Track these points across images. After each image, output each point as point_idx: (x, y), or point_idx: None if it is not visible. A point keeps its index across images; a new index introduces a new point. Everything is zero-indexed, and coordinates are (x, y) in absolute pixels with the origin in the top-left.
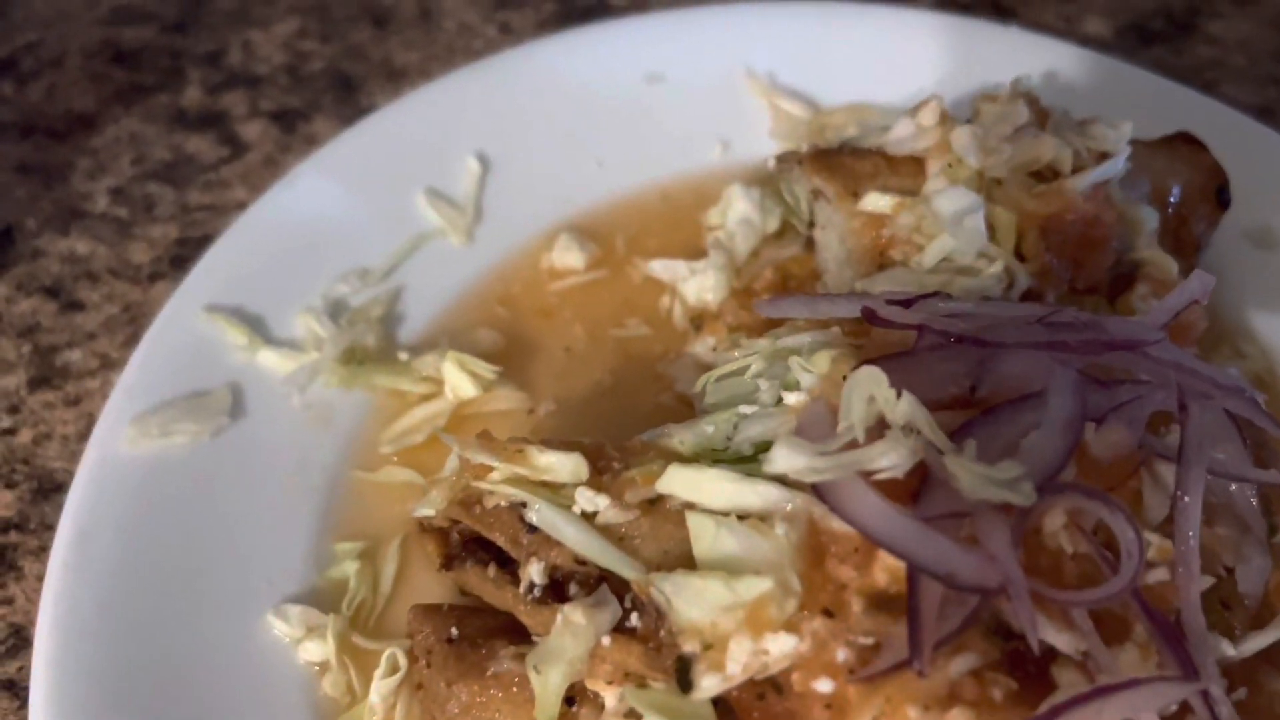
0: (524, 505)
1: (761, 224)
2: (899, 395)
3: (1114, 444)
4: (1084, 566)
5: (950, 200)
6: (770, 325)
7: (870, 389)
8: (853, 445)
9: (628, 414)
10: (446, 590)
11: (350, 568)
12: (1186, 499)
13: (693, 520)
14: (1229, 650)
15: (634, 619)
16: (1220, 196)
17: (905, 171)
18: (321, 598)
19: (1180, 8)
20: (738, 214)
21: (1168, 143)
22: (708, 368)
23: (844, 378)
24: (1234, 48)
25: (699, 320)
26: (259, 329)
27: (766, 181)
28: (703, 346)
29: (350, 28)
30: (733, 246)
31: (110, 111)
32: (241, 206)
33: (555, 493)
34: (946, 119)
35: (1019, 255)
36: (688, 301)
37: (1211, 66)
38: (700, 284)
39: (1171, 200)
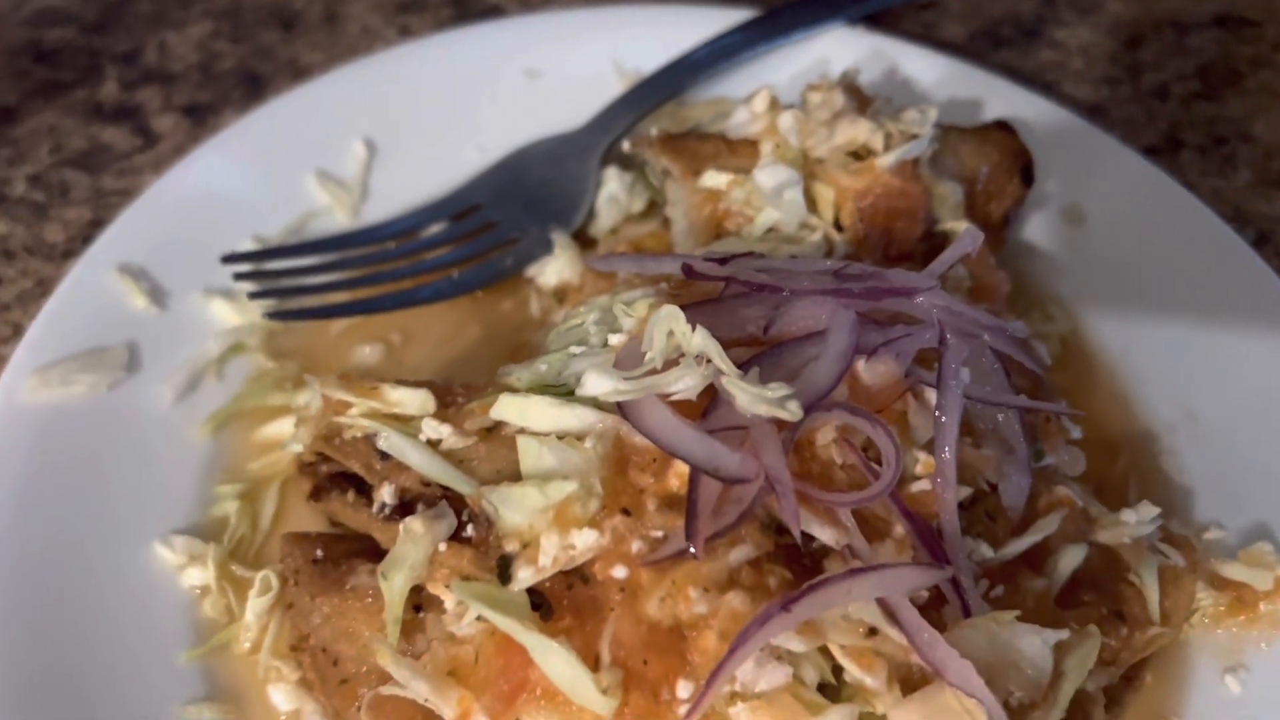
0: (377, 435)
1: (628, 203)
2: (694, 329)
3: (881, 373)
4: (852, 475)
5: (770, 176)
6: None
7: (669, 324)
8: (653, 372)
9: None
10: (320, 526)
11: (231, 506)
12: (944, 419)
13: (521, 441)
14: (989, 553)
15: (470, 529)
16: (1025, 175)
17: (743, 153)
18: (206, 533)
19: (1028, 15)
20: (607, 193)
21: (983, 128)
22: None
23: None
24: (1074, 52)
25: (562, 294)
26: (158, 292)
27: (639, 166)
28: (564, 313)
29: (260, 30)
30: (595, 226)
31: (30, 105)
32: None
33: (405, 424)
34: (776, 106)
35: (837, 226)
36: (548, 287)
37: (1053, 69)
38: (556, 267)
39: (980, 178)
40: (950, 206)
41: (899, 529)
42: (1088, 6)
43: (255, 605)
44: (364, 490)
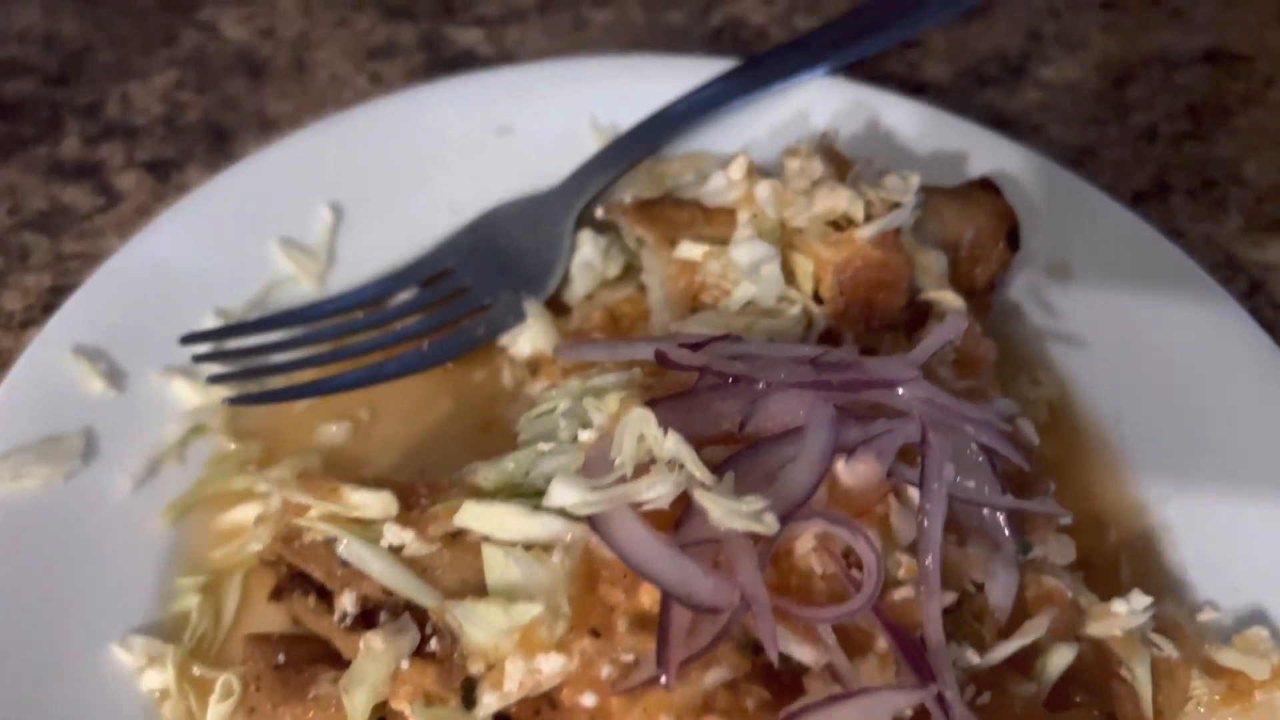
0: (337, 540)
1: (602, 269)
2: (666, 433)
3: (862, 474)
4: (833, 584)
5: (747, 252)
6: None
7: (640, 428)
8: (623, 479)
9: (463, 456)
10: (285, 621)
11: (192, 601)
12: (927, 524)
13: (486, 551)
14: (974, 659)
15: (433, 644)
16: (1011, 239)
17: (719, 221)
18: (166, 631)
19: (1014, 52)
20: (581, 258)
21: (966, 188)
22: None
23: None
24: (1061, 91)
25: (535, 366)
26: (116, 373)
27: (614, 228)
28: (538, 389)
29: (226, 78)
30: (569, 292)
31: None
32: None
33: (366, 528)
34: (753, 173)
35: (817, 298)
36: (521, 357)
37: (1040, 109)
38: (529, 337)
39: (964, 243)
40: (934, 276)
41: (881, 642)
42: (1074, 42)
43: (216, 711)
44: (325, 594)
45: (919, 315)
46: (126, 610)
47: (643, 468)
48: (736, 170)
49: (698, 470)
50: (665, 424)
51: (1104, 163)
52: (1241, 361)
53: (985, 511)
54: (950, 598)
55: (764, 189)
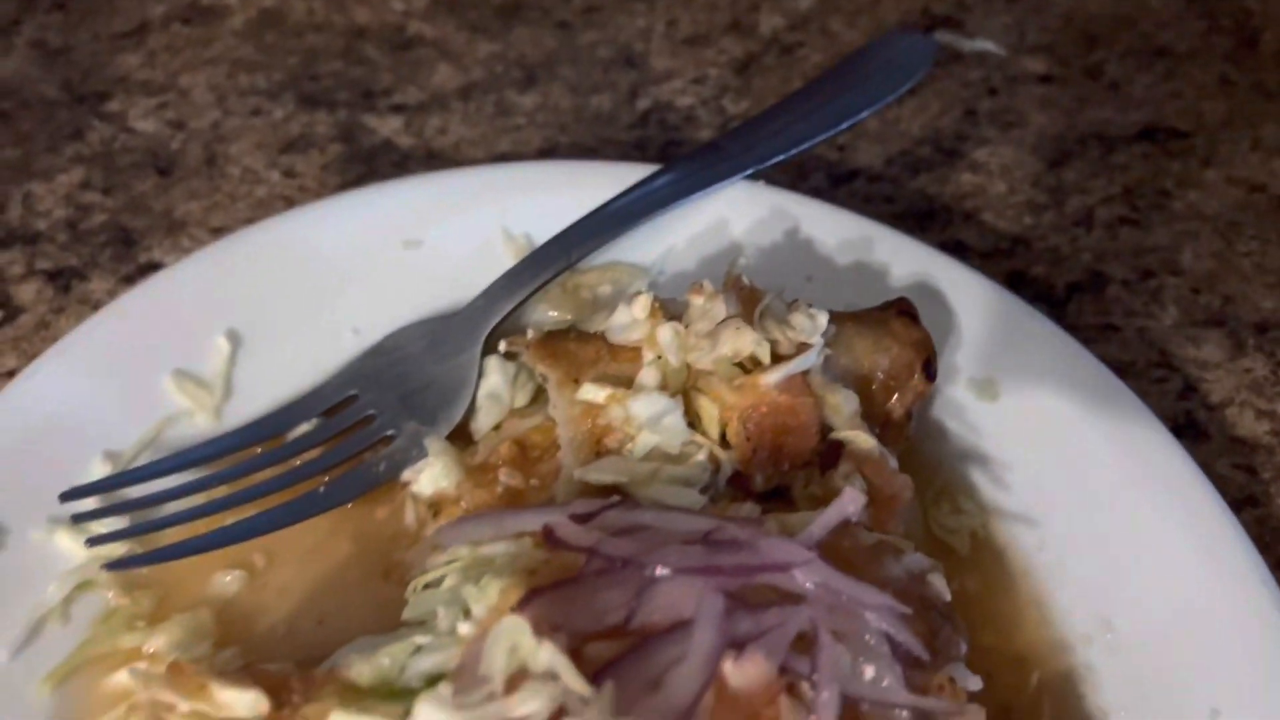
0: None
1: (510, 399)
2: (540, 642)
3: (751, 675)
4: None
5: (646, 406)
6: (506, 504)
7: (512, 638)
8: (493, 696)
9: (363, 604)
10: None
11: None
12: None
13: None
14: None
15: None
16: (927, 370)
17: (625, 357)
18: None
19: (948, 133)
20: (488, 387)
21: (881, 314)
22: None
23: (510, 609)
24: (996, 174)
25: (437, 507)
26: None
27: None
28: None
29: (134, 176)
30: (475, 422)
31: None
32: (11, 374)
33: None
34: (656, 312)
35: (724, 442)
36: (424, 495)
37: (974, 194)
38: (431, 475)
39: (878, 375)
40: (845, 416)
41: None
42: (1011, 120)
43: None
44: None
45: (832, 451)
46: None
47: (517, 678)
48: (640, 309)
49: (574, 683)
50: (545, 622)
51: (1038, 252)
52: (1171, 496)
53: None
54: None
55: (666, 332)
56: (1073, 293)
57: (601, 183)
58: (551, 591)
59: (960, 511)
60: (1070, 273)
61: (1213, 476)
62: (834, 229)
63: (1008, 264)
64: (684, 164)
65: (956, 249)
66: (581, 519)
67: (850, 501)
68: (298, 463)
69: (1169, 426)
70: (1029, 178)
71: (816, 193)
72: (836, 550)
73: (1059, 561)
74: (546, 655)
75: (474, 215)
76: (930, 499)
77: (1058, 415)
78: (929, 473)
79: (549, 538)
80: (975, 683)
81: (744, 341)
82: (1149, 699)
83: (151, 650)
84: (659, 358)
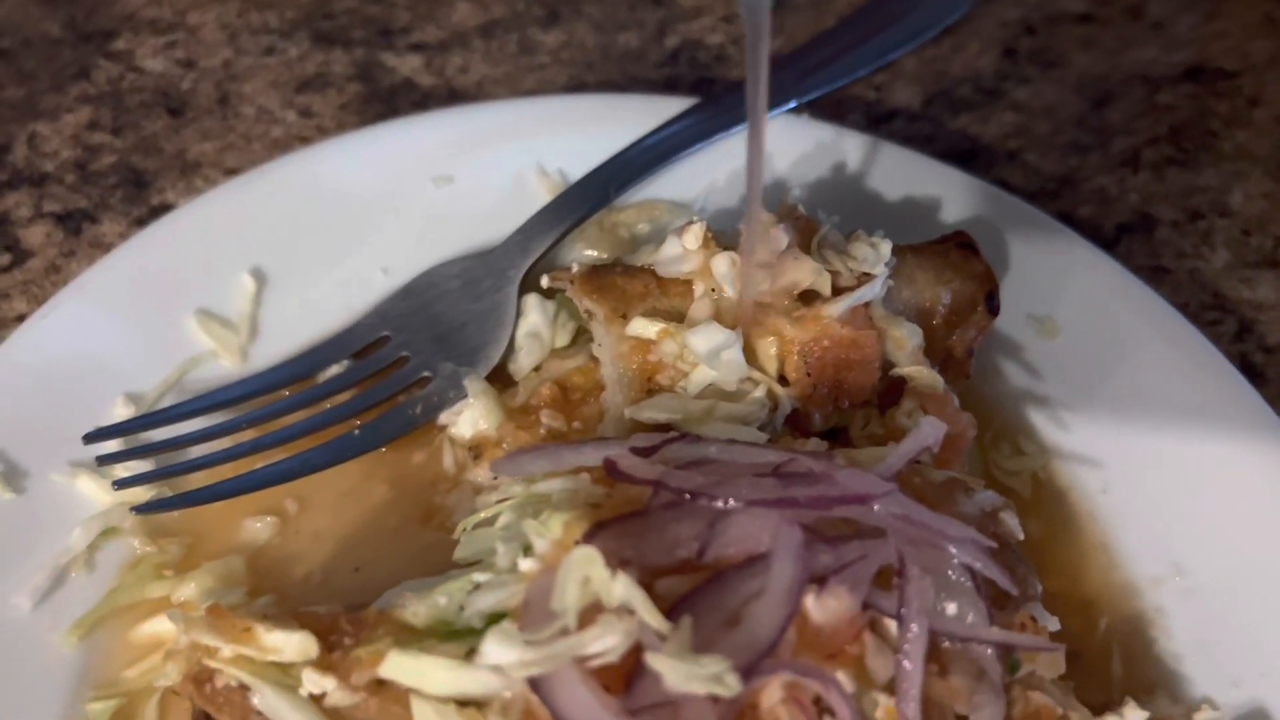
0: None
1: (551, 338)
2: (614, 575)
3: (834, 610)
4: None
5: (705, 338)
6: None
7: (584, 571)
8: (566, 632)
9: (401, 552)
10: None
11: None
12: (906, 663)
13: (416, 707)
14: None
15: None
16: (989, 304)
17: (675, 292)
18: None
19: (988, 73)
20: (528, 326)
21: (940, 246)
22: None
23: (576, 542)
24: (1039, 114)
25: (478, 449)
26: (14, 473)
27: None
28: (482, 476)
29: (144, 116)
30: (515, 363)
31: None
32: (21, 319)
33: (284, 672)
34: (709, 242)
35: (782, 379)
36: (463, 438)
37: (1016, 134)
38: (470, 418)
39: (940, 309)
40: (908, 351)
41: None
42: (1052, 60)
43: None
44: None
45: (893, 389)
46: None
47: (589, 614)
48: (692, 239)
49: (651, 618)
50: (615, 556)
51: (1085, 194)
52: (1235, 429)
53: None
54: None
55: (721, 263)
56: (1122, 234)
57: (638, 117)
58: (618, 525)
59: (1021, 453)
60: (1118, 214)
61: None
62: (881, 163)
63: (1054, 205)
64: (723, 97)
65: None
66: (644, 452)
67: (929, 432)
68: (328, 406)
69: None
70: (1073, 118)
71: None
72: (910, 487)
73: (1125, 503)
74: (621, 588)
75: (507, 151)
76: (989, 441)
77: (1120, 352)
78: (987, 414)
79: (611, 471)
80: (1054, 623)
81: (803, 272)
82: (1222, 643)
83: (181, 599)
84: (713, 290)
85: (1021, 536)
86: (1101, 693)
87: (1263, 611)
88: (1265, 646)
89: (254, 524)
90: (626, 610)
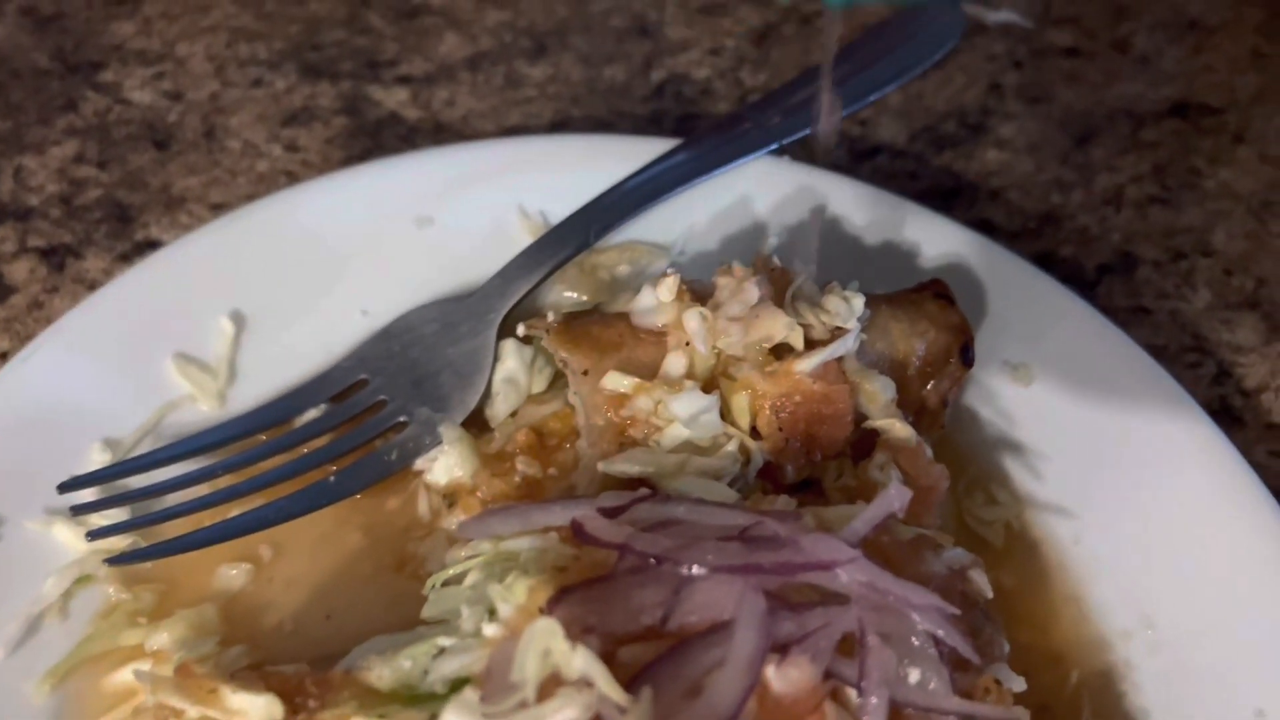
0: None
1: (528, 384)
2: (574, 647)
3: (795, 680)
4: None
5: (686, 404)
6: (523, 495)
7: (545, 642)
8: (524, 704)
9: (375, 599)
10: None
11: None
12: None
13: None
14: None
15: None
16: (964, 355)
17: (650, 342)
18: None
19: (973, 107)
20: (504, 372)
21: (916, 296)
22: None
23: (540, 609)
24: (1022, 151)
25: (452, 496)
26: None
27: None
28: (456, 523)
29: (130, 150)
30: (491, 408)
31: None
32: (4, 357)
33: None
34: (683, 295)
35: (754, 432)
36: (439, 484)
37: (1000, 171)
38: (445, 464)
39: (914, 360)
40: (881, 404)
41: None
42: (1037, 95)
43: None
44: None
45: (866, 440)
46: None
47: (550, 684)
48: (665, 291)
49: (610, 690)
50: (579, 623)
51: (1067, 232)
52: (1213, 486)
53: None
54: None
55: (693, 319)
56: (1103, 274)
57: (620, 158)
58: (583, 590)
59: (995, 502)
60: (1100, 253)
61: (1249, 464)
62: (860, 206)
63: (1036, 244)
64: (705, 138)
65: (983, 228)
66: (610, 513)
67: (896, 496)
68: (305, 450)
69: None
70: (1056, 155)
71: (837, 169)
72: (876, 546)
73: (1096, 555)
74: (581, 661)
75: (488, 192)
76: (963, 489)
77: (1094, 401)
78: (961, 462)
79: (578, 533)
80: (1019, 684)
81: (776, 326)
82: (1191, 698)
83: (155, 648)
84: (686, 344)
85: (990, 595)
86: None
87: (1231, 666)
88: (1232, 701)
89: (228, 571)
90: (586, 682)
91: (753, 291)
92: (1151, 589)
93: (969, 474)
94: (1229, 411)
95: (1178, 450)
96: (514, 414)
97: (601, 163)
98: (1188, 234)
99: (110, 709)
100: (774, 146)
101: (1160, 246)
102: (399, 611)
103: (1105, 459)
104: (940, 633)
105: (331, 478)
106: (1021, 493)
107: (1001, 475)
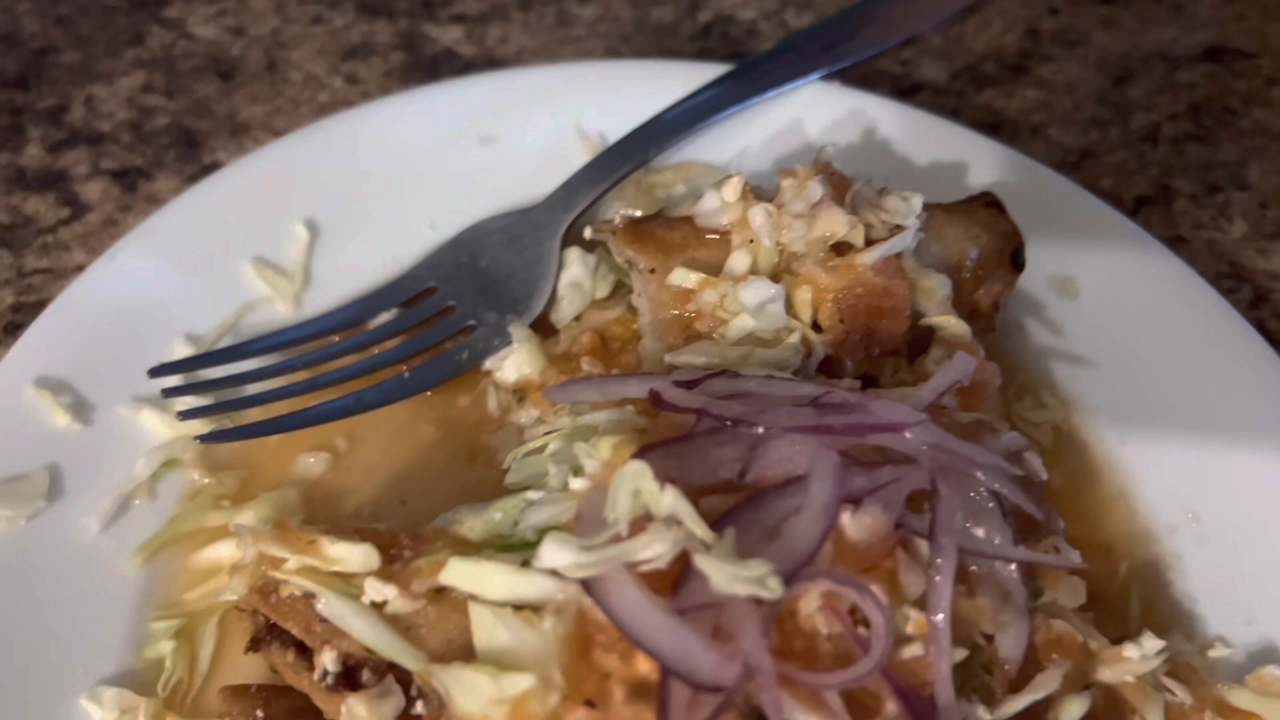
0: (316, 596)
1: (592, 289)
2: (662, 488)
3: (869, 527)
4: (839, 646)
5: (754, 292)
6: None
7: (635, 483)
8: (618, 539)
9: (447, 487)
10: (265, 670)
11: (166, 647)
12: (938, 578)
13: (474, 611)
14: (985, 715)
15: (419, 706)
16: (1015, 260)
17: (712, 244)
18: (139, 679)
19: (1011, 50)
20: (569, 278)
21: (968, 205)
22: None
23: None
24: (1061, 91)
25: (522, 392)
26: (81, 406)
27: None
28: (526, 417)
29: (196, 80)
30: (556, 313)
31: None
32: (80, 269)
33: (347, 582)
34: (748, 195)
35: (816, 326)
36: (507, 383)
37: (1039, 109)
38: (514, 363)
39: (968, 264)
40: (937, 301)
41: (890, 705)
42: (1074, 39)
43: None
44: (305, 650)
45: (921, 340)
46: (96, 659)
47: (639, 524)
48: (730, 191)
49: (697, 528)
50: (662, 475)
51: (1105, 166)
52: (1249, 382)
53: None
54: (960, 654)
55: (758, 214)
56: (1141, 205)
57: (674, 81)
58: (664, 448)
59: (1043, 406)
60: (1138, 186)
61: None
62: (910, 129)
63: (1075, 177)
64: (757, 64)
65: None
66: (687, 385)
67: (960, 364)
68: (378, 351)
69: None
70: (1094, 94)
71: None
72: (938, 423)
73: (1143, 454)
74: (669, 500)
75: (548, 113)
76: (1012, 394)
77: (1139, 312)
78: (1010, 369)
79: (656, 400)
80: (1076, 556)
81: (838, 224)
82: (1236, 586)
83: (241, 524)
84: (750, 241)
85: (1045, 476)
86: (1120, 630)
87: (1275, 555)
88: (1275, 587)
89: (307, 459)
90: (674, 520)
91: (816, 190)
92: (1197, 484)
93: (1018, 380)
94: (1265, 333)
95: (1221, 356)
96: (578, 318)
97: (656, 86)
98: (1223, 169)
99: (197, 584)
100: (824, 72)
101: (1197, 180)
102: (472, 498)
103: (1150, 366)
104: (1004, 491)
105: (406, 374)
106: (1069, 397)
107: (1050, 381)
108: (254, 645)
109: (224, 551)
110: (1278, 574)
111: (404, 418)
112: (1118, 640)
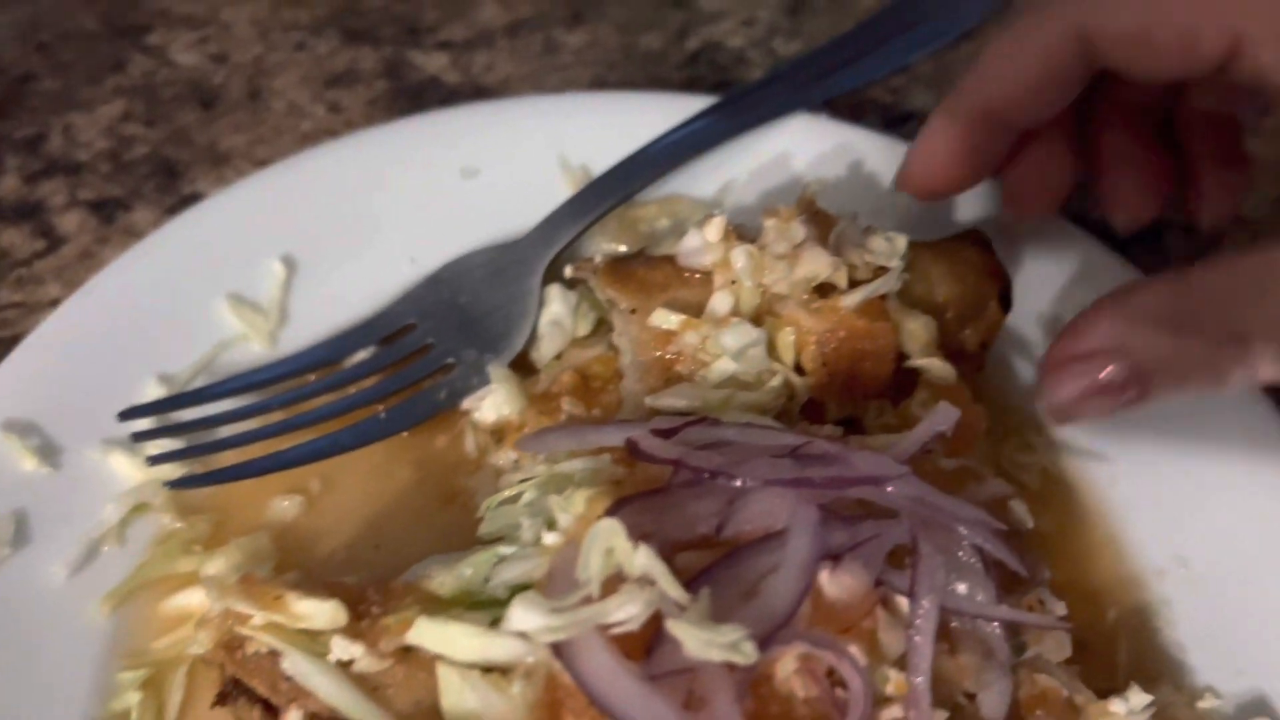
0: (282, 654)
1: (572, 327)
2: (636, 546)
3: (849, 586)
4: (816, 710)
5: (735, 337)
6: None
7: (608, 541)
8: (589, 600)
9: (423, 532)
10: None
11: (133, 699)
12: (918, 638)
13: (441, 672)
14: None
15: None
16: (1002, 300)
17: (695, 283)
18: None
19: None
20: (550, 316)
21: (955, 244)
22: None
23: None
24: None
25: (500, 433)
26: (49, 449)
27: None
28: (505, 459)
29: (177, 109)
30: (537, 351)
31: None
32: (55, 304)
33: (314, 639)
34: (730, 235)
35: (799, 369)
36: (486, 422)
37: None
38: (493, 403)
39: (954, 304)
40: (922, 343)
41: None
42: None
43: None
44: (272, 707)
45: (906, 382)
46: (62, 710)
47: (611, 583)
48: (713, 231)
49: (671, 589)
50: (636, 529)
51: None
52: (1245, 430)
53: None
54: (941, 715)
55: (740, 256)
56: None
57: (660, 114)
58: (640, 501)
59: (1030, 448)
60: None
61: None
62: (897, 162)
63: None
64: (744, 95)
65: None
66: (664, 434)
67: (943, 415)
68: (355, 390)
69: None
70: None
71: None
72: (922, 473)
73: (1132, 496)
74: (643, 559)
75: (532, 145)
76: (999, 435)
77: None
78: (997, 410)
79: (633, 450)
80: (1061, 608)
81: (821, 265)
82: (1226, 633)
83: (210, 574)
84: (733, 282)
85: (1030, 525)
86: (1107, 680)
87: (1265, 602)
88: (1268, 636)
89: (280, 502)
90: (648, 580)
91: (799, 230)
92: (1186, 529)
93: (1005, 422)
94: None
95: (1212, 396)
96: (559, 357)
97: (642, 118)
98: None
99: (166, 632)
100: (811, 105)
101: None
102: (448, 543)
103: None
104: (987, 547)
105: (382, 415)
106: (1057, 439)
107: (1037, 423)
108: (221, 700)
109: (194, 599)
110: (1268, 622)
111: (380, 458)
112: (1105, 693)
